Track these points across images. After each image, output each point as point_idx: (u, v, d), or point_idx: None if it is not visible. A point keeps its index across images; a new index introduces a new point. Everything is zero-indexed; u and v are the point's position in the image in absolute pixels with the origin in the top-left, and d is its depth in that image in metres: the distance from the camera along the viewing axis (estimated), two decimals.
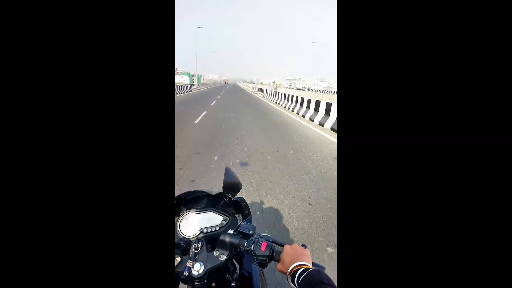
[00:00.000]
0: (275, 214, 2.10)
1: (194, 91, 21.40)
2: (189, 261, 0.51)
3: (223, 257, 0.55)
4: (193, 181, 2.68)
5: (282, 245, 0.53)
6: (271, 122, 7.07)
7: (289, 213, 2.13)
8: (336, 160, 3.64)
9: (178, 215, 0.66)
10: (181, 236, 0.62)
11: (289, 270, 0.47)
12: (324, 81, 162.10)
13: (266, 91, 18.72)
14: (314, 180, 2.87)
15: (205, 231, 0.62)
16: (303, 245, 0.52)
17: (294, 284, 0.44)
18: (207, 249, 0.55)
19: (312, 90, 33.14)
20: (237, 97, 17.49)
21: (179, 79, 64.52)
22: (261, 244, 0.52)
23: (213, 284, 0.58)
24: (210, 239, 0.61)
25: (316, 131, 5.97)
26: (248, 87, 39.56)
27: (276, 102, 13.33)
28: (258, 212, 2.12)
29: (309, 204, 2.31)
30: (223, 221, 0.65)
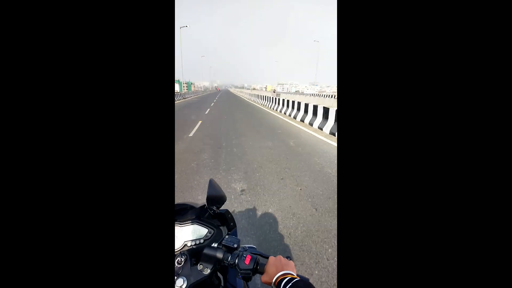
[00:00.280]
0: None
1: (179, 100, 18.54)
2: None
3: (207, 271, 0.54)
4: None
5: (267, 257, 0.53)
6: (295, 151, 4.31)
7: None
8: None
9: None
10: None
11: (274, 279, 0.47)
12: (316, 85, 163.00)
13: (265, 97, 16.10)
14: None
15: (189, 244, 0.62)
16: (288, 257, 0.52)
17: None
18: (190, 263, 0.55)
19: (306, 94, 33.39)
20: (232, 110, 14.11)
21: None
22: (245, 257, 0.52)
23: None
24: (194, 252, 0.60)
25: None
26: (242, 94, 36.20)
27: (280, 111, 10.82)
28: None
29: None
30: (208, 234, 0.65)
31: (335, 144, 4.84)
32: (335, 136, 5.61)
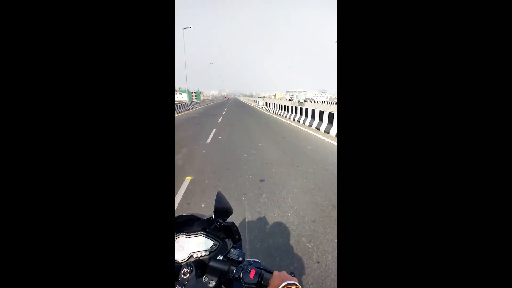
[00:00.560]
0: None
1: (181, 113, 16.05)
2: (177, 287, 0.51)
3: (212, 284, 0.54)
4: None
5: (271, 272, 0.53)
6: None
7: None
8: None
9: None
10: None
11: None
12: (326, 92, 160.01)
13: (284, 107, 13.35)
14: None
15: (194, 255, 0.63)
16: (291, 273, 0.53)
17: None
18: (196, 274, 0.56)
19: (316, 102, 31.54)
20: (244, 121, 11.25)
21: (177, 96, 59.56)
22: (250, 271, 0.52)
23: None
24: (200, 264, 0.61)
25: None
26: (253, 103, 32.45)
27: (298, 121, 8.03)
28: None
29: None
30: (213, 246, 0.65)
31: None
32: None
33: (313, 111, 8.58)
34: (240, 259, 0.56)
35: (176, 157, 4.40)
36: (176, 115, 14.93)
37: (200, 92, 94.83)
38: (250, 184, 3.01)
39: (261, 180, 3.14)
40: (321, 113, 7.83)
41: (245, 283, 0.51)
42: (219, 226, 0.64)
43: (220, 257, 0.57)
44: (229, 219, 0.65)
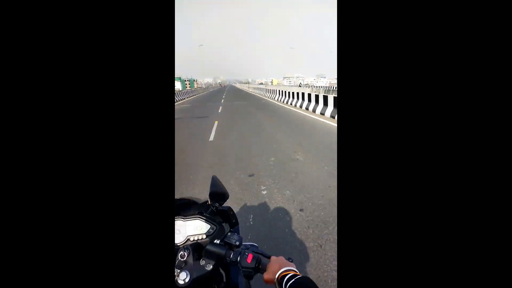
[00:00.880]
0: None
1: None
2: (175, 269, 0.51)
3: (209, 267, 0.54)
4: None
5: (269, 257, 0.53)
6: None
7: None
8: None
9: None
10: None
11: (277, 275, 0.47)
12: (325, 77, 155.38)
13: (301, 96, 10.49)
14: None
15: (191, 239, 0.62)
16: (289, 258, 0.52)
17: None
18: (193, 257, 0.55)
19: (316, 87, 28.90)
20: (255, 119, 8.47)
21: None
22: (247, 256, 0.52)
23: None
24: (197, 247, 0.60)
25: None
26: (256, 91, 26.68)
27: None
28: None
29: None
30: (210, 230, 0.64)
31: None
32: None
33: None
34: (237, 243, 0.56)
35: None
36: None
37: (194, 80, 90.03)
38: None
39: None
40: None
41: (243, 267, 0.51)
42: (215, 210, 0.64)
43: (217, 241, 0.57)
44: (225, 204, 0.65)
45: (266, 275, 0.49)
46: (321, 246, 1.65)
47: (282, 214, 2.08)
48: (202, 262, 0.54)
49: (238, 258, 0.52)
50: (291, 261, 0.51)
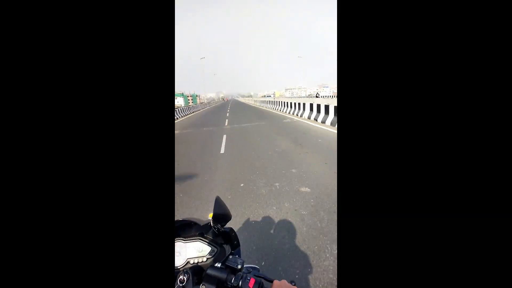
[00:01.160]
0: None
1: None
2: None
3: None
4: None
5: (271, 281, 0.52)
6: None
7: None
8: None
9: None
10: None
11: None
12: (327, 87, 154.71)
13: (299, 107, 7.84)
14: None
15: (191, 261, 0.60)
16: (292, 282, 0.51)
17: None
18: (193, 282, 0.53)
19: (321, 96, 27.29)
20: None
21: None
22: (249, 280, 0.50)
23: None
24: (197, 270, 0.58)
25: None
26: (263, 104, 22.73)
27: None
28: None
29: None
30: (211, 252, 0.62)
31: None
32: None
33: None
34: (239, 266, 0.53)
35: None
36: None
37: (197, 95, 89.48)
38: None
39: None
40: None
41: None
42: (217, 231, 0.61)
43: (218, 264, 0.54)
44: (227, 225, 0.63)
45: None
46: None
47: None
48: (202, 287, 0.50)
49: (240, 283, 0.49)
50: (294, 285, 0.49)
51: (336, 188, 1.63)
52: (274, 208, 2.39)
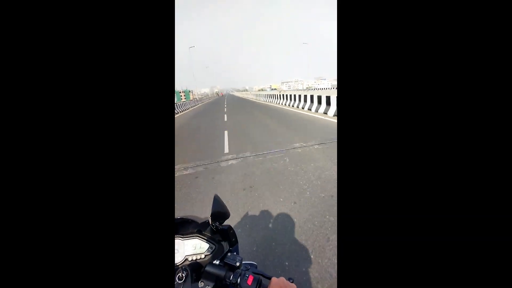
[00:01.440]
0: None
1: None
2: None
3: None
4: None
5: (269, 278, 0.52)
6: None
7: None
8: None
9: None
10: None
11: None
12: (325, 79, 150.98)
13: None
14: None
15: (190, 258, 0.60)
16: (290, 279, 0.51)
17: None
18: (191, 279, 0.53)
19: (318, 89, 26.02)
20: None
21: None
22: (247, 277, 0.50)
23: None
24: (195, 267, 0.58)
25: None
26: (268, 99, 18.96)
27: None
28: None
29: None
30: (209, 249, 0.62)
31: None
32: None
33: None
34: (237, 264, 0.54)
35: None
36: None
37: (190, 91, 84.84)
38: None
39: None
40: None
41: None
42: (215, 229, 0.62)
43: (217, 262, 0.55)
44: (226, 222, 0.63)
45: None
46: None
47: None
48: (201, 284, 0.51)
49: (238, 280, 0.49)
50: (292, 282, 0.50)
51: None
52: None
